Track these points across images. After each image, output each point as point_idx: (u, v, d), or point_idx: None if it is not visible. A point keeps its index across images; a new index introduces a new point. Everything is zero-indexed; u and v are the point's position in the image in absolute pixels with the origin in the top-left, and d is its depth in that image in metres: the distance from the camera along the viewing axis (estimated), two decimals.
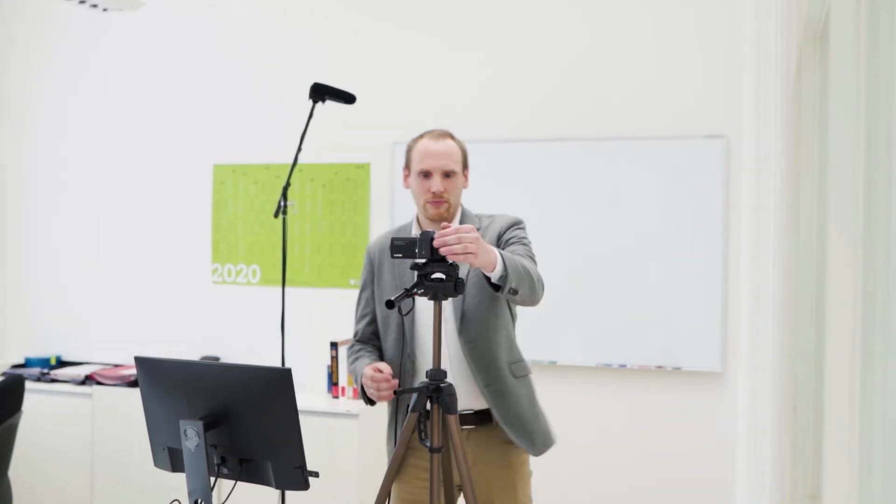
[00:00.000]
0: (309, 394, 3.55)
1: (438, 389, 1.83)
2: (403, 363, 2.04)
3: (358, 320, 2.17)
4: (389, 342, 2.08)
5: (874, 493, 1.30)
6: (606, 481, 3.37)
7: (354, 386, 2.05)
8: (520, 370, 2.10)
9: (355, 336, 2.18)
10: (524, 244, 2.07)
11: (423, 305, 1.97)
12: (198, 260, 3.91)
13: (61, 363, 4.04)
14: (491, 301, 2.02)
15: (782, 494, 2.11)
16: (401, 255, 1.84)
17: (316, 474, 1.74)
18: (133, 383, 3.66)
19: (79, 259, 4.07)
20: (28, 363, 3.98)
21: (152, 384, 1.85)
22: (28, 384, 3.45)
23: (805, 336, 2.05)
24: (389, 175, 3.63)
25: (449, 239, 1.76)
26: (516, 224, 2.11)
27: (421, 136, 2.10)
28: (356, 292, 2.20)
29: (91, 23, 3.96)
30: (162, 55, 3.96)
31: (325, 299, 3.71)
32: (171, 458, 1.85)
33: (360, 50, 3.70)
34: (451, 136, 2.11)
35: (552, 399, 3.47)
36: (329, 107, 3.18)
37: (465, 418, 2.00)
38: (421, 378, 1.99)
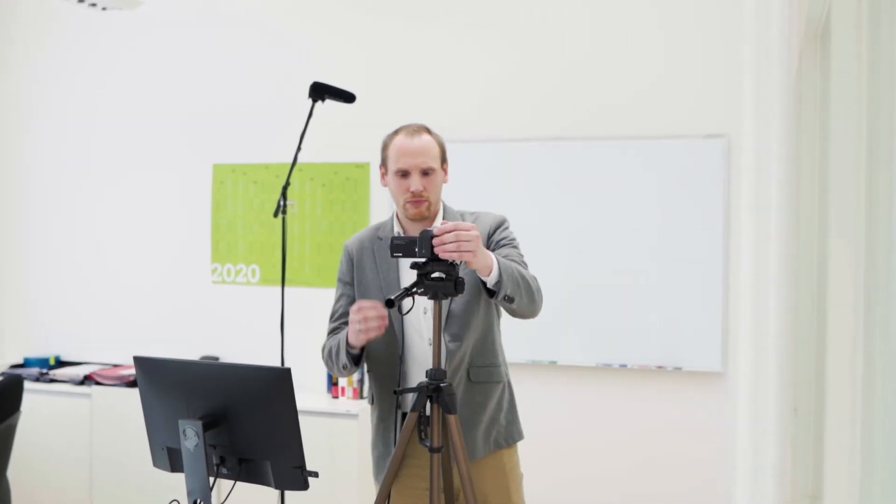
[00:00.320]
0: (308, 394, 3.54)
1: (438, 389, 1.82)
2: (396, 365, 2.01)
3: (336, 318, 2.10)
4: (378, 344, 2.00)
5: (875, 494, 1.30)
6: (606, 481, 3.37)
7: (343, 363, 1.95)
8: (481, 375, 2.02)
9: (332, 332, 2.10)
10: (515, 247, 2.05)
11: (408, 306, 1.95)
12: (197, 259, 3.90)
13: (60, 363, 4.03)
14: (475, 302, 1.99)
15: (783, 495, 2.10)
16: (401, 255, 1.83)
17: (315, 474, 1.74)
18: (132, 383, 3.65)
19: (78, 259, 4.07)
20: (27, 363, 3.98)
21: (151, 384, 1.84)
22: (27, 384, 3.44)
23: (806, 336, 2.05)
24: None
25: (446, 237, 1.74)
26: (503, 224, 2.07)
27: (396, 133, 2.02)
28: None
29: (90, 22, 3.96)
30: (161, 54, 3.95)
31: (324, 299, 3.65)
32: (170, 458, 1.84)
33: (360, 49, 3.70)
34: (428, 131, 2.03)
35: (553, 399, 3.49)
36: (329, 106, 3.17)
37: None
38: (409, 381, 1.97)
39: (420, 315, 1.99)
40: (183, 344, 3.86)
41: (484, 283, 1.88)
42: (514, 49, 3.51)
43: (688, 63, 3.31)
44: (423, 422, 1.85)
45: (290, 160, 3.06)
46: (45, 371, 3.87)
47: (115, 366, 3.94)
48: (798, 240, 2.12)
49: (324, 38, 3.74)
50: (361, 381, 3.56)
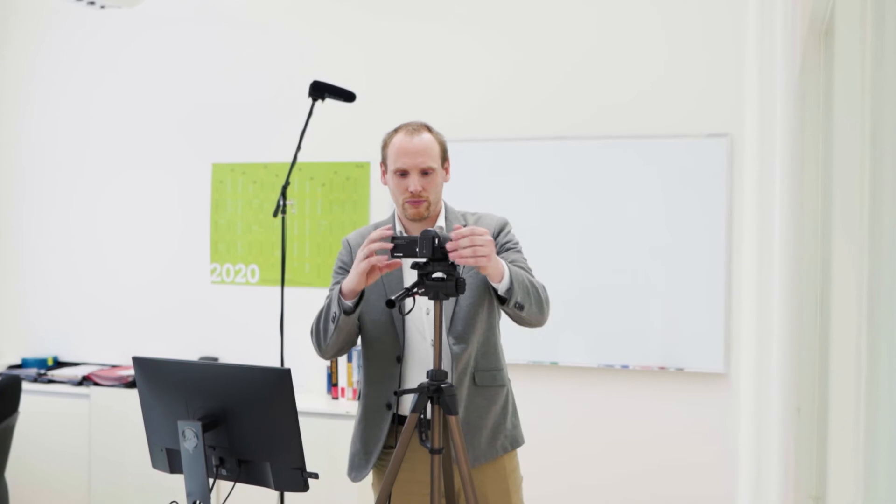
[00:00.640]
0: (308, 395, 3.53)
1: (439, 390, 1.81)
2: (394, 365, 2.00)
3: None
4: (378, 342, 2.01)
5: (879, 494, 1.29)
6: (607, 482, 3.36)
7: (333, 314, 1.91)
8: (485, 379, 2.02)
9: None
10: (519, 251, 2.05)
11: (414, 308, 1.94)
12: (196, 260, 3.89)
13: (58, 364, 4.02)
14: (480, 304, 1.99)
15: (786, 495, 2.09)
16: (401, 255, 1.82)
17: (315, 476, 1.73)
18: (131, 384, 3.64)
19: (76, 259, 4.05)
20: (25, 364, 3.96)
21: (150, 385, 1.84)
22: (25, 385, 3.44)
23: (809, 336, 2.04)
24: None
25: (462, 242, 1.74)
26: (506, 227, 2.07)
27: (396, 131, 2.00)
28: None
29: (87, 19, 3.94)
30: (159, 53, 3.94)
31: (324, 299, 3.68)
32: (169, 460, 1.84)
33: (361, 47, 3.68)
34: (429, 129, 2.01)
35: (554, 400, 3.48)
36: (329, 105, 3.16)
37: None
38: (410, 383, 1.96)
39: (423, 316, 1.98)
40: (182, 344, 3.85)
41: (495, 290, 1.88)
42: (515, 48, 3.50)
43: (690, 62, 3.30)
44: (423, 423, 1.84)
45: (290, 159, 3.05)
46: (43, 372, 3.86)
47: (114, 366, 3.93)
48: (801, 239, 2.11)
49: (324, 37, 3.73)
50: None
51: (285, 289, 3.16)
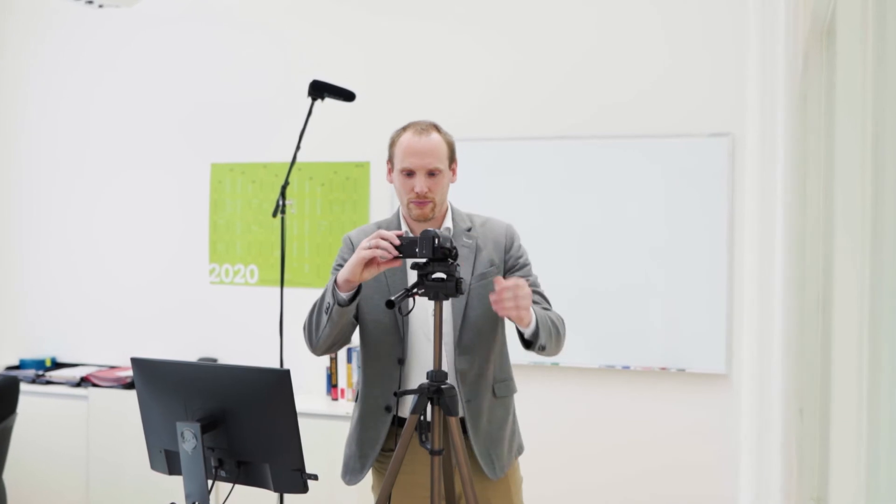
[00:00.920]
0: (308, 396, 3.53)
1: (439, 391, 1.80)
2: (394, 366, 1.99)
3: None
4: (380, 343, 2.00)
5: (881, 496, 1.28)
6: (609, 483, 3.35)
7: (327, 304, 1.90)
8: (503, 390, 2.05)
9: None
10: (530, 269, 2.06)
11: (416, 308, 1.94)
12: (195, 260, 3.88)
13: (56, 365, 4.01)
14: (494, 316, 1.99)
15: (788, 497, 2.09)
16: (402, 255, 1.81)
17: (315, 477, 1.72)
18: (129, 385, 3.63)
19: (74, 259, 4.04)
20: (23, 365, 3.95)
21: (149, 386, 1.83)
22: (23, 386, 3.42)
23: (811, 337, 2.03)
24: None
25: (506, 294, 1.76)
26: (517, 239, 2.08)
27: (404, 129, 1.98)
28: None
29: (86, 18, 3.93)
30: (158, 52, 3.93)
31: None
32: (167, 461, 1.83)
33: (361, 46, 3.68)
34: (437, 129, 1.99)
35: (555, 401, 3.47)
36: (328, 104, 3.16)
37: None
38: (412, 384, 1.96)
39: (428, 317, 1.96)
40: (180, 345, 3.84)
41: (520, 333, 1.91)
42: (515, 47, 3.50)
43: (692, 61, 3.30)
44: (422, 425, 1.83)
45: (290, 159, 3.04)
46: (41, 373, 3.85)
47: (112, 367, 3.92)
48: (803, 239, 2.10)
49: (324, 36, 3.72)
50: None
51: (285, 289, 3.15)
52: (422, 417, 1.82)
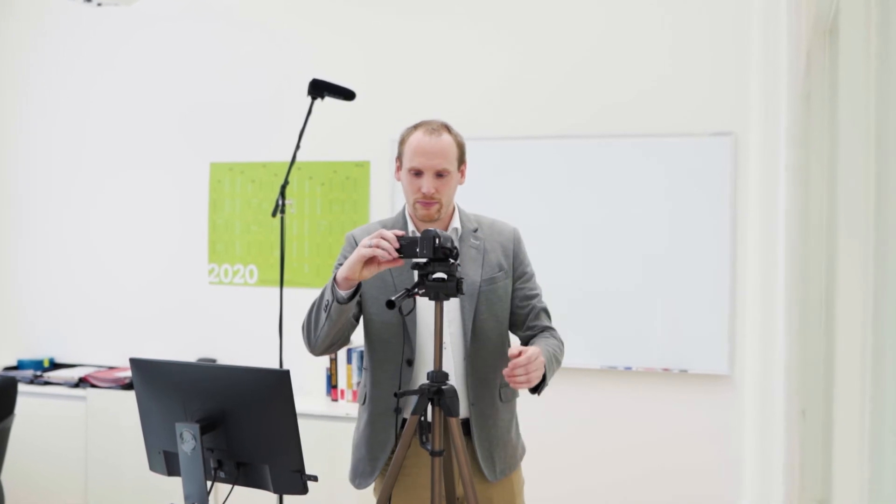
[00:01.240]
0: (307, 396, 3.52)
1: (440, 392, 1.80)
2: (401, 367, 1.98)
3: None
4: (386, 344, 1.99)
5: (884, 497, 1.27)
6: (610, 484, 3.34)
7: (326, 302, 1.89)
8: (508, 394, 2.06)
9: None
10: (534, 279, 2.08)
11: (426, 309, 1.92)
12: (194, 260, 3.87)
13: (54, 365, 4.00)
14: (503, 320, 2.01)
15: (791, 498, 2.08)
16: (402, 255, 1.80)
17: (315, 478, 1.72)
18: (128, 386, 3.62)
19: (72, 259, 4.03)
20: (20, 365, 3.94)
21: (148, 386, 1.82)
22: (21, 387, 3.41)
23: (814, 337, 2.02)
24: (390, 173, 3.59)
25: (518, 371, 1.77)
26: (523, 247, 2.08)
27: (415, 128, 1.96)
28: None
29: (84, 17, 3.93)
30: (157, 51, 3.92)
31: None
32: (166, 462, 1.82)
33: (360, 45, 3.67)
34: (448, 129, 1.98)
35: (556, 401, 3.45)
36: (328, 103, 3.15)
37: None
38: (416, 385, 1.95)
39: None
40: (179, 346, 3.83)
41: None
42: (518, 46, 3.49)
43: (695, 60, 3.29)
44: (423, 426, 1.82)
45: (289, 158, 3.03)
46: (39, 373, 3.84)
47: (111, 368, 3.91)
48: (805, 239, 2.09)
49: (323, 35, 3.71)
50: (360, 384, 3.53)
51: (284, 289, 3.15)
52: (422, 418, 1.81)
